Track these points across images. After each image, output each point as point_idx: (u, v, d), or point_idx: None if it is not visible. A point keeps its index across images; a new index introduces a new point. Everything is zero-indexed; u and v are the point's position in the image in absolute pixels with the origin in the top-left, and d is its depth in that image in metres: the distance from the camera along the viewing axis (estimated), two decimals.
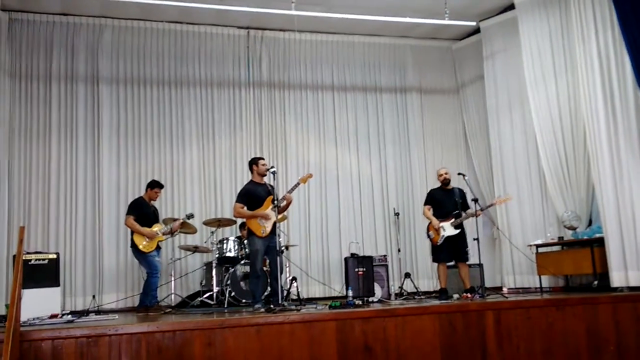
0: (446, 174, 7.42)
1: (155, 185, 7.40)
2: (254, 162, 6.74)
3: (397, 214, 9.53)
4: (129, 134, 8.91)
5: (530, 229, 8.69)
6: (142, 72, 9.11)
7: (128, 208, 7.28)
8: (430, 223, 7.35)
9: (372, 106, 10.09)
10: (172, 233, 7.31)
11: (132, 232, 7.05)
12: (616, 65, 7.10)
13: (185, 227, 7.70)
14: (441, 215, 7.28)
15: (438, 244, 7.21)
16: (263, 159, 6.83)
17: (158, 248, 7.16)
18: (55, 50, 8.77)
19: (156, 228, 7.14)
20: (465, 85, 10.32)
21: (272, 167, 6.51)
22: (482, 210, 7.22)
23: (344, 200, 9.65)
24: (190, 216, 7.54)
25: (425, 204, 7.52)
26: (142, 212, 7.14)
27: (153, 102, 9.09)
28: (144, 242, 6.98)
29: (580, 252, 7.54)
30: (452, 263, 7.42)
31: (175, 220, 7.46)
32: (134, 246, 7.02)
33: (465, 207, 7.27)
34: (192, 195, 9.00)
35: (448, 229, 7.19)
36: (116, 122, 8.89)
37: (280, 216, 6.59)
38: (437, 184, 7.61)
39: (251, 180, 6.76)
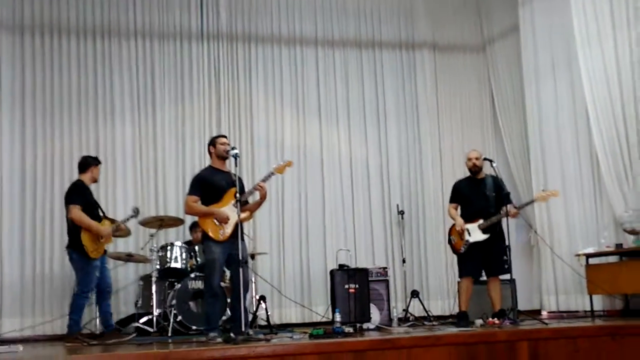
0: (476, 159, 7.40)
1: (98, 161, 7.32)
2: (211, 143, 6.78)
3: (401, 213, 9.58)
4: (37, 101, 8.83)
5: (578, 234, 8.78)
6: (56, 17, 9.01)
7: (68, 195, 7.05)
8: (453, 225, 7.42)
9: (369, 67, 10.12)
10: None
11: (79, 230, 6.91)
12: None
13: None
14: (468, 214, 7.31)
15: (461, 251, 7.27)
16: (224, 136, 6.84)
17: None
18: None
19: (106, 224, 7.09)
20: (493, 41, 10.37)
21: (233, 149, 6.49)
22: (518, 208, 7.26)
23: (331, 194, 9.68)
24: (136, 212, 7.46)
25: (451, 201, 7.57)
26: (87, 201, 7.03)
27: (71, 58, 9.02)
28: (101, 239, 6.87)
29: None
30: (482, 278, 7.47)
31: (113, 221, 7.36)
32: (78, 248, 6.89)
33: (502, 202, 7.28)
34: (125, 185, 8.98)
35: (474, 233, 7.21)
36: (20, 86, 8.81)
37: (245, 215, 6.57)
38: (461, 172, 7.62)
39: (209, 166, 6.78)
